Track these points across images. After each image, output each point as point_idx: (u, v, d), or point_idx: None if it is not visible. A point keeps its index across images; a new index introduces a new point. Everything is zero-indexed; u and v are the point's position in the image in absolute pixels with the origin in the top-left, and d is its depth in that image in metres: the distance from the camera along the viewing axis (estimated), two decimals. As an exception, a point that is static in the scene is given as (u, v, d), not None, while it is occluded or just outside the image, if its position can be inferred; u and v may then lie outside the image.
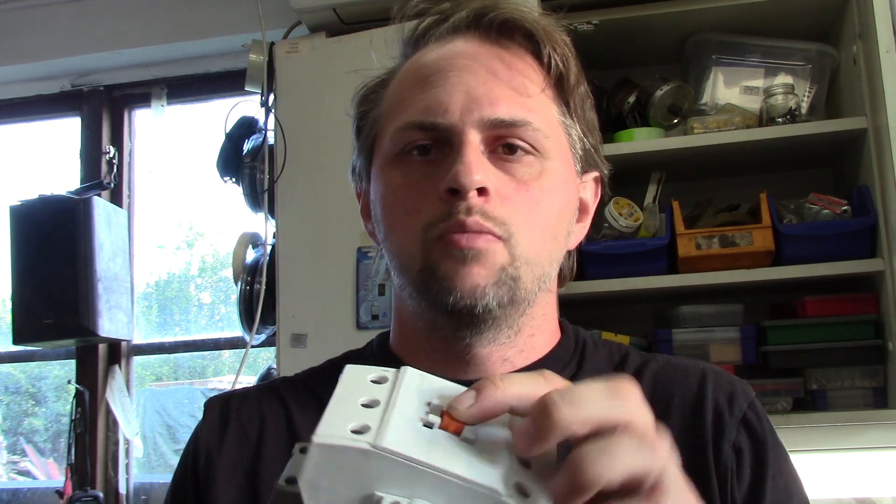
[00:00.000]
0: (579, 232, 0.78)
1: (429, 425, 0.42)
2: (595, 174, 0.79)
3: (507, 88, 0.69)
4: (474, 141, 0.67)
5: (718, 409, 0.72)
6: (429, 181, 0.68)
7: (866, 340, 1.68)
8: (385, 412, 0.42)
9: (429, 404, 0.43)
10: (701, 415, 0.71)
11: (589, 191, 0.79)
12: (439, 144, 0.69)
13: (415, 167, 0.69)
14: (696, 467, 0.68)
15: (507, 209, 0.67)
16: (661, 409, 0.71)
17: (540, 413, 0.41)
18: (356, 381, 0.45)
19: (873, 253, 1.68)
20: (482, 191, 0.66)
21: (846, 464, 1.74)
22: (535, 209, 0.68)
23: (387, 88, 0.76)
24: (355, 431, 0.41)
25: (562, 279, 0.79)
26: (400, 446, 0.40)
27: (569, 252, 0.77)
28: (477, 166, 0.65)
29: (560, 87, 0.74)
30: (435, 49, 0.73)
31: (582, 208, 0.78)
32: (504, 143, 0.68)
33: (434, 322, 0.70)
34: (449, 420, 0.42)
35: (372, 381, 0.45)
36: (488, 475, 0.40)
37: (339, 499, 0.41)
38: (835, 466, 1.74)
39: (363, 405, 0.43)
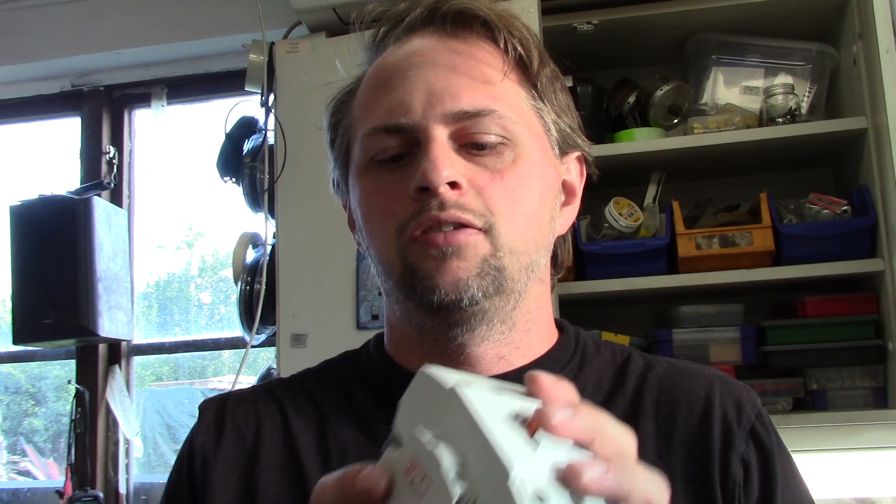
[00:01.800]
0: (567, 215, 0.77)
1: (516, 417, 0.43)
2: (577, 154, 0.77)
3: (468, 79, 0.69)
4: (440, 137, 0.66)
5: (727, 419, 0.70)
6: (400, 184, 0.68)
7: (866, 340, 1.69)
8: (495, 391, 0.44)
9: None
10: (708, 424, 0.70)
11: (574, 172, 0.77)
12: (409, 147, 0.68)
13: (386, 171, 0.69)
14: (701, 477, 0.68)
15: (484, 200, 0.66)
16: (667, 413, 0.70)
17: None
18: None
19: (873, 253, 1.68)
20: (454, 185, 0.65)
21: (846, 464, 1.74)
22: (514, 197, 0.67)
23: (354, 97, 0.76)
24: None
25: (557, 267, 0.78)
26: (476, 403, 0.41)
27: (562, 238, 0.76)
28: (444, 161, 0.65)
29: (524, 71, 0.72)
30: (394, 51, 0.73)
31: (568, 191, 0.76)
32: (471, 143, 0.68)
33: (423, 325, 0.70)
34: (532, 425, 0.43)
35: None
36: (516, 455, 0.39)
37: (413, 426, 0.43)
38: (835, 466, 1.74)
39: (493, 385, 0.46)
